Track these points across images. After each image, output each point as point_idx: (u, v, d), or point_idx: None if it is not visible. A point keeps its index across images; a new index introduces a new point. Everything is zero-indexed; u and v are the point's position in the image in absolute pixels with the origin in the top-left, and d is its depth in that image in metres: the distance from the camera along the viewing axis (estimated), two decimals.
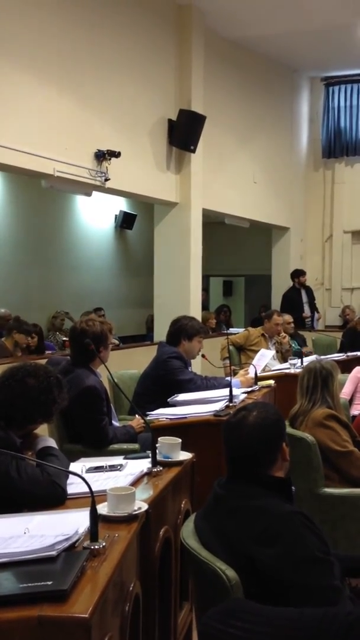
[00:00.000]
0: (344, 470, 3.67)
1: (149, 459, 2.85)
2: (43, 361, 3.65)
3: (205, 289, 12.32)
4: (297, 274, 11.07)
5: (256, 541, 2.02)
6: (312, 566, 2.00)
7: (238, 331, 7.90)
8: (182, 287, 8.46)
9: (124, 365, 5.85)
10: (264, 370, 6.01)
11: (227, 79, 9.56)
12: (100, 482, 2.60)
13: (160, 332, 7.02)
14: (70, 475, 2.48)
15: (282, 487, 2.21)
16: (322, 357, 6.22)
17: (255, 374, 5.07)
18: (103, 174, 6.97)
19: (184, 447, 3.05)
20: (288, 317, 7.80)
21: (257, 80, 10.31)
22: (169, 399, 4.40)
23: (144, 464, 2.84)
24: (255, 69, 10.25)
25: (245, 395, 4.57)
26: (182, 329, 5.00)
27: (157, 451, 2.87)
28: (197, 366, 6.38)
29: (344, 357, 7.25)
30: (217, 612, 1.77)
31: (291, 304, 10.66)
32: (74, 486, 2.49)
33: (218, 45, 9.20)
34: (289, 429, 3.66)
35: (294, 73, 11.34)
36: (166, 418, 3.96)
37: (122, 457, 3.06)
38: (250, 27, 9.06)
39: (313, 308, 11.19)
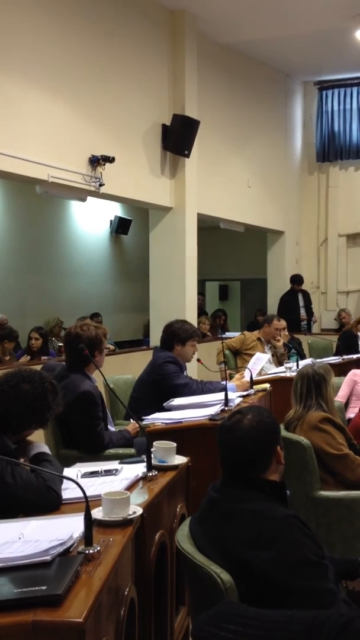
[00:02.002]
0: (339, 473, 3.67)
1: (144, 464, 2.85)
2: (38, 367, 3.65)
3: (202, 293, 12.33)
4: (296, 281, 11.09)
5: (251, 545, 2.02)
6: (306, 569, 2.00)
7: (234, 335, 7.90)
8: (177, 291, 8.46)
9: (121, 370, 5.85)
10: (259, 374, 6.01)
11: (221, 84, 9.59)
12: (96, 486, 2.61)
13: (156, 337, 7.01)
14: (66, 481, 2.48)
15: (277, 490, 2.20)
16: (317, 360, 6.22)
17: (251, 377, 5.06)
18: (97, 180, 6.98)
19: (180, 452, 3.06)
20: (282, 323, 7.75)
21: (251, 85, 10.35)
22: (164, 404, 4.39)
23: (139, 469, 2.85)
24: (249, 74, 10.28)
25: (241, 399, 4.57)
26: (174, 334, 4.99)
27: (152, 456, 2.88)
28: (192, 370, 6.39)
29: (339, 360, 7.28)
30: (209, 616, 1.78)
31: (288, 307, 10.71)
32: (69, 491, 2.49)
33: (211, 50, 9.23)
34: (284, 433, 3.66)
35: (287, 77, 11.38)
36: (162, 422, 3.96)
37: (118, 461, 3.07)
38: (243, 31, 9.09)
39: (309, 312, 11.22)
